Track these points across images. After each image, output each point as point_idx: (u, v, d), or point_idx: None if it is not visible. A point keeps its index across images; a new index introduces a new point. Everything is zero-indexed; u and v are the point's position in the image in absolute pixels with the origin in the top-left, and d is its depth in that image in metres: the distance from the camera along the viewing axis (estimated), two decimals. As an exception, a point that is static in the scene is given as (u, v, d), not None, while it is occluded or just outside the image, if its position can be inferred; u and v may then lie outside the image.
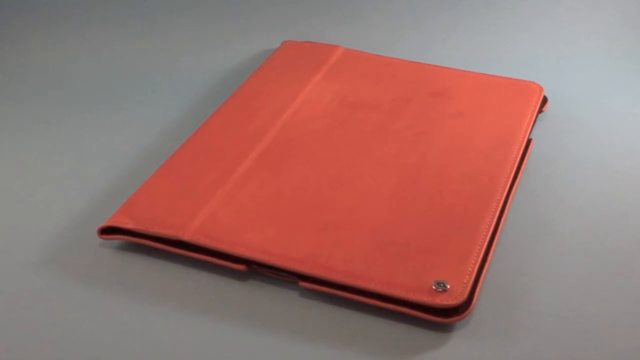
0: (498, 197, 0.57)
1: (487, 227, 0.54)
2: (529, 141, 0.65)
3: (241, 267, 0.53)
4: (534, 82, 0.71)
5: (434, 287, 0.49)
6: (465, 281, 0.49)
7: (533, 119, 0.66)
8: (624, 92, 0.74)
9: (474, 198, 0.57)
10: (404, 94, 0.70)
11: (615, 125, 0.69)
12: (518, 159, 0.61)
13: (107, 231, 0.55)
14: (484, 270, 0.52)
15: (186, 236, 0.53)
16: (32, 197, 0.61)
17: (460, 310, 0.49)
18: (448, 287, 0.49)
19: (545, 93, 0.71)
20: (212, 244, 0.53)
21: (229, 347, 0.48)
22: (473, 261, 0.51)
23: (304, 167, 0.60)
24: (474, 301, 0.49)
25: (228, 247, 0.53)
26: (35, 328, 0.50)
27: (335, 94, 0.70)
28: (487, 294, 0.52)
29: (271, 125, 0.65)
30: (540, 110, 0.69)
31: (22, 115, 0.71)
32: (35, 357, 0.48)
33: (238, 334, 0.49)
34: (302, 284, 0.51)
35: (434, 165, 0.60)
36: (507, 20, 0.83)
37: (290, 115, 0.66)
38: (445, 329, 0.49)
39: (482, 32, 0.82)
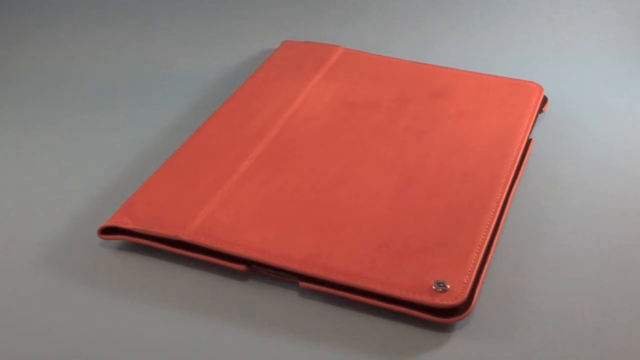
0: (498, 197, 0.57)
1: (487, 227, 0.54)
2: (529, 141, 0.65)
3: (241, 267, 0.53)
4: (534, 82, 0.71)
5: (434, 287, 0.49)
6: (465, 281, 0.49)
7: (533, 119, 0.66)
8: (624, 92, 0.74)
9: (474, 198, 0.57)
10: (403, 94, 0.70)
11: (615, 125, 0.69)
12: (518, 159, 0.61)
13: (107, 231, 0.55)
14: (484, 270, 0.52)
15: (186, 236, 0.53)
16: (32, 197, 0.61)
17: (460, 310, 0.49)
18: (448, 287, 0.49)
19: (545, 93, 0.71)
20: (211, 244, 0.53)
21: (229, 347, 0.48)
22: (473, 261, 0.51)
23: (304, 167, 0.60)
24: (474, 301, 0.49)
25: (228, 247, 0.53)
26: (35, 328, 0.50)
27: (335, 94, 0.70)
28: (487, 294, 0.52)
29: (271, 125, 0.65)
30: (540, 110, 0.69)
31: (22, 115, 0.71)
32: (35, 357, 0.48)
33: (238, 334, 0.49)
34: (302, 284, 0.51)
35: (434, 165, 0.60)
36: (507, 20, 0.83)
37: (290, 115, 0.66)
38: (445, 329, 0.49)
39: (482, 32, 0.82)
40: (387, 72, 0.73)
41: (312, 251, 0.52)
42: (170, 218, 0.55)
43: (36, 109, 0.72)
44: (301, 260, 0.52)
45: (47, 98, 0.74)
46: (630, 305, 0.51)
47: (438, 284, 0.49)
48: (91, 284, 0.53)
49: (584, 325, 0.50)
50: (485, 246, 0.53)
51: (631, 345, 0.48)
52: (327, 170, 0.60)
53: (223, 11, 0.85)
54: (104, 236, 0.55)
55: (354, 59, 0.75)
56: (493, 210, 0.56)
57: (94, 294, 0.52)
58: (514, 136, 0.64)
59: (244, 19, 0.84)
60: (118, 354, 0.48)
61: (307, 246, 0.53)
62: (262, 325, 0.50)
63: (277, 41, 0.81)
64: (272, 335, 0.49)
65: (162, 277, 0.54)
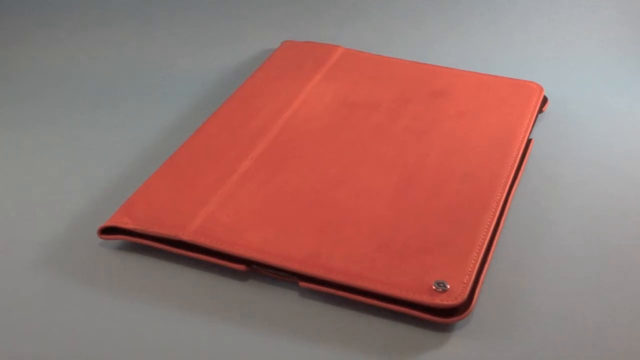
0: (498, 197, 0.57)
1: (487, 227, 0.54)
2: (529, 141, 0.65)
3: (241, 267, 0.53)
4: (534, 82, 0.71)
5: (434, 287, 0.49)
6: (465, 281, 0.49)
7: (533, 119, 0.66)
8: (624, 92, 0.74)
9: (474, 198, 0.57)
10: (403, 94, 0.70)
11: (615, 125, 0.69)
12: (518, 158, 0.61)
13: (107, 231, 0.55)
14: (484, 270, 0.52)
15: (186, 236, 0.53)
16: (32, 196, 0.61)
17: (460, 310, 0.49)
18: (448, 287, 0.49)
19: (545, 93, 0.71)
20: (212, 244, 0.53)
21: (229, 347, 0.48)
22: (473, 261, 0.51)
23: (304, 167, 0.60)
24: (474, 301, 0.49)
25: (228, 247, 0.53)
26: (35, 328, 0.50)
27: (335, 94, 0.70)
28: (487, 294, 0.52)
29: (271, 125, 0.65)
30: (540, 110, 0.69)
31: (22, 115, 0.71)
32: (35, 357, 0.48)
33: (238, 334, 0.49)
34: (302, 284, 0.51)
35: (434, 165, 0.60)
36: (507, 20, 0.83)
37: (291, 115, 0.66)
38: (445, 329, 0.49)
39: (482, 32, 0.82)
40: (387, 72, 0.73)
41: (312, 251, 0.52)
42: (170, 218, 0.55)
43: (36, 109, 0.72)
44: (301, 260, 0.52)
45: (47, 98, 0.74)
46: (630, 305, 0.51)
47: (438, 284, 0.49)
48: (91, 284, 0.53)
49: (584, 325, 0.50)
50: (485, 246, 0.53)
51: (631, 345, 0.48)
52: (327, 170, 0.60)
53: (223, 11, 0.85)
54: (104, 236, 0.55)
55: (354, 59, 0.75)
56: (493, 210, 0.56)
57: (94, 294, 0.52)
58: (514, 136, 0.64)
59: (244, 19, 0.84)
60: (118, 354, 0.48)
61: (307, 246, 0.53)
62: (262, 325, 0.50)
63: (277, 41, 0.81)
64: (272, 335, 0.49)
65: (162, 277, 0.54)
